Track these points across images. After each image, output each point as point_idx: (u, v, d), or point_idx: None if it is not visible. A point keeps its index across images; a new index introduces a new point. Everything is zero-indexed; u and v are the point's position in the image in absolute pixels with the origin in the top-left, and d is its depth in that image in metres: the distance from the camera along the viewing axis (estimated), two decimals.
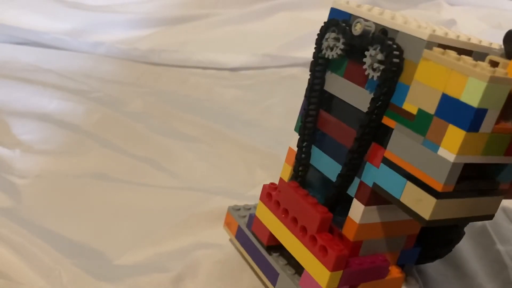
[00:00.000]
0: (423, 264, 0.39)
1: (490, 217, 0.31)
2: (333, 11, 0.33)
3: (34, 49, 0.82)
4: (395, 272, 0.34)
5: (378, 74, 0.29)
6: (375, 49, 0.29)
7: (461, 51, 0.28)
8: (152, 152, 0.56)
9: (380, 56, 0.29)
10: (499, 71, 0.25)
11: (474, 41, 0.29)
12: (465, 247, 0.42)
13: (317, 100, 0.35)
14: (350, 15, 0.32)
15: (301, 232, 0.33)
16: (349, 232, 0.32)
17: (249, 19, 0.96)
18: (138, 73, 0.77)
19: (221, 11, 0.97)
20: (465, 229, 0.44)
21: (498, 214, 0.45)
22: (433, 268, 0.41)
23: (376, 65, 0.29)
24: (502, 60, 0.27)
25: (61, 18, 0.91)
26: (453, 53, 0.27)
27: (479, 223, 0.44)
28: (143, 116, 0.64)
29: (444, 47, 0.28)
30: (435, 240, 0.37)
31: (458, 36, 0.29)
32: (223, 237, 0.42)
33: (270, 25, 0.96)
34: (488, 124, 0.26)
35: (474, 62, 0.26)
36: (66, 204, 0.48)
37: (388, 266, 0.33)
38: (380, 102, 0.29)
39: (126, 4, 1.00)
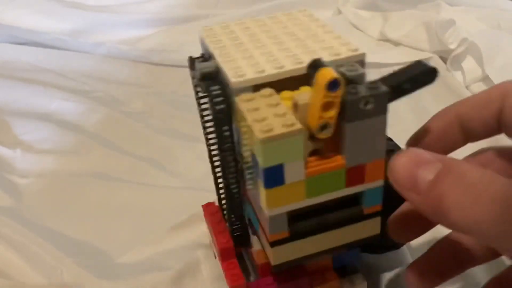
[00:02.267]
0: (384, 253, 0.39)
1: (375, 236, 0.29)
2: (201, 41, 0.32)
3: (35, 49, 0.82)
4: (327, 278, 0.34)
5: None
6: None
7: (287, 81, 0.26)
8: (153, 152, 0.56)
9: (209, 103, 0.27)
10: (286, 121, 0.23)
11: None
12: None
13: (213, 130, 0.34)
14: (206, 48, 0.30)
15: (218, 257, 0.35)
16: (253, 255, 0.33)
17: None
18: (138, 73, 0.77)
19: (221, 12, 0.97)
20: None
21: None
22: None
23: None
24: (300, 101, 0.24)
25: (62, 18, 0.90)
26: (266, 92, 0.25)
27: None
28: (143, 116, 0.64)
29: (265, 85, 0.26)
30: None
31: (279, 68, 0.26)
32: None
33: None
34: (294, 175, 0.24)
35: (270, 109, 0.24)
36: (67, 203, 0.48)
37: (306, 277, 0.33)
38: (221, 145, 0.28)
39: (126, 5, 0.99)
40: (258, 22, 0.32)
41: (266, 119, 0.24)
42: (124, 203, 0.48)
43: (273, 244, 0.27)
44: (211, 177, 0.53)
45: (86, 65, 0.78)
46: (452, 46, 0.74)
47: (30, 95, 0.67)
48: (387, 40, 0.85)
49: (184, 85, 0.74)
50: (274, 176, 0.24)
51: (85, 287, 0.38)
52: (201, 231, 0.43)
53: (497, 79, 0.68)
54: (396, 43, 0.84)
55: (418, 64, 0.26)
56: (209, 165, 0.54)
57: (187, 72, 0.94)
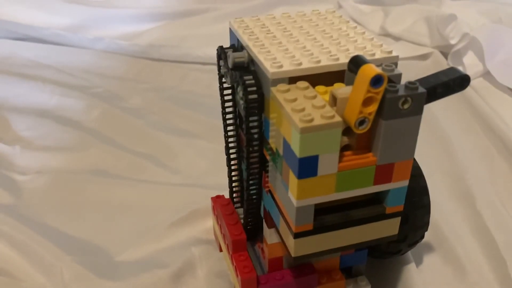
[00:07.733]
0: (386, 258, 0.39)
1: (392, 237, 0.29)
2: (231, 32, 0.32)
3: (34, 45, 0.81)
4: (334, 277, 0.34)
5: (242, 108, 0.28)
6: (238, 84, 0.28)
7: (322, 75, 0.26)
8: (152, 148, 0.56)
9: (240, 92, 0.28)
10: (326, 113, 0.24)
11: (341, 57, 0.27)
12: (463, 244, 0.43)
13: (233, 122, 0.34)
14: (238, 39, 0.31)
15: (227, 249, 0.35)
16: (264, 250, 0.33)
17: (248, 14, 0.96)
18: (137, 69, 0.77)
19: (221, 6, 0.97)
20: (465, 226, 0.45)
21: (499, 211, 0.46)
22: (432, 265, 0.41)
23: (240, 100, 0.28)
24: (339, 95, 0.24)
25: (61, 13, 0.90)
26: (302, 85, 0.25)
27: (479, 220, 0.44)
28: (142, 112, 0.64)
29: (301, 78, 0.26)
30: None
31: (317, 61, 0.26)
32: None
33: None
34: (327, 167, 0.25)
35: (307, 101, 0.24)
36: (66, 201, 0.48)
37: (315, 274, 0.33)
38: (249, 135, 0.28)
39: None
40: (289, 18, 0.32)
41: (305, 110, 0.24)
42: (124, 200, 0.47)
43: (296, 235, 0.27)
44: (211, 174, 0.53)
45: (85, 61, 0.78)
46: (453, 41, 0.74)
47: (29, 91, 0.67)
48: (387, 34, 0.85)
49: (184, 81, 0.74)
50: (308, 167, 0.24)
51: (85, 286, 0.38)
52: (201, 227, 0.43)
53: (498, 74, 0.68)
54: (397, 38, 0.84)
55: (451, 70, 0.27)
56: (208, 162, 0.55)
57: (187, 67, 0.93)
